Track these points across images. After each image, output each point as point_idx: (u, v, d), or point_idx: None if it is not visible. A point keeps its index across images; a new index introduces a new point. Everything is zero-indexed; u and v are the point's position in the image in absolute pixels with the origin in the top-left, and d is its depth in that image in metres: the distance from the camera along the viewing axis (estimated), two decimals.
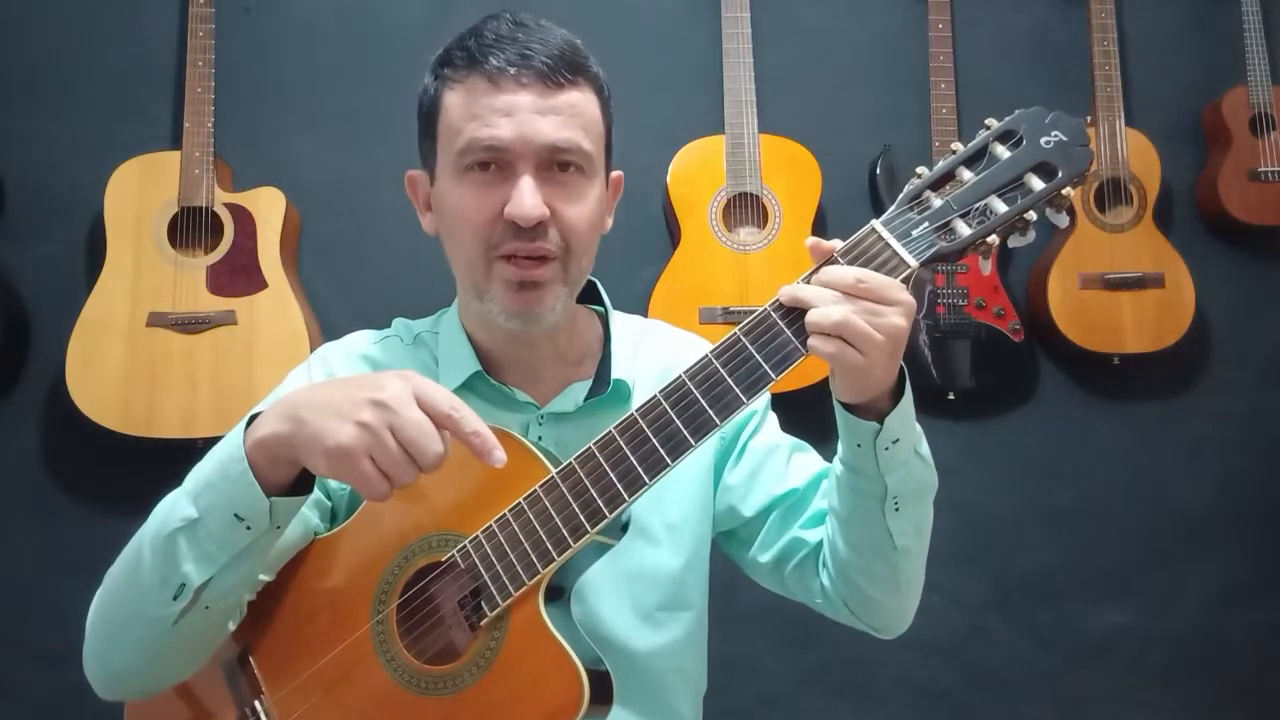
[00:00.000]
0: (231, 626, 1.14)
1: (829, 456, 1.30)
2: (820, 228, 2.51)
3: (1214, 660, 2.65)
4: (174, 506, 1.05)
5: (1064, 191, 1.04)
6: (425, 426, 0.95)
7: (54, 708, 2.32)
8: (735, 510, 1.29)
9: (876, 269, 1.01)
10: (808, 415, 1.54)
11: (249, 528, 1.01)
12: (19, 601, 2.39)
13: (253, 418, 1.04)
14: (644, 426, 1.04)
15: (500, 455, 0.98)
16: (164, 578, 1.03)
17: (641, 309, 2.36)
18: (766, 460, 1.29)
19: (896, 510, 1.11)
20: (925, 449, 1.14)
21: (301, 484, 1.05)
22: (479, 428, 0.98)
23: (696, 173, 2.48)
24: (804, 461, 1.30)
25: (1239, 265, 2.70)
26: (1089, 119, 2.58)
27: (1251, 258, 2.70)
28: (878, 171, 2.55)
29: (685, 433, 1.03)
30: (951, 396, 2.50)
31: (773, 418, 1.34)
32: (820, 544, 1.23)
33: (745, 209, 2.47)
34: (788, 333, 1.02)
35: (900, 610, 1.24)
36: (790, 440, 1.32)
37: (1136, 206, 2.55)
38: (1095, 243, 2.53)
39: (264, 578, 1.14)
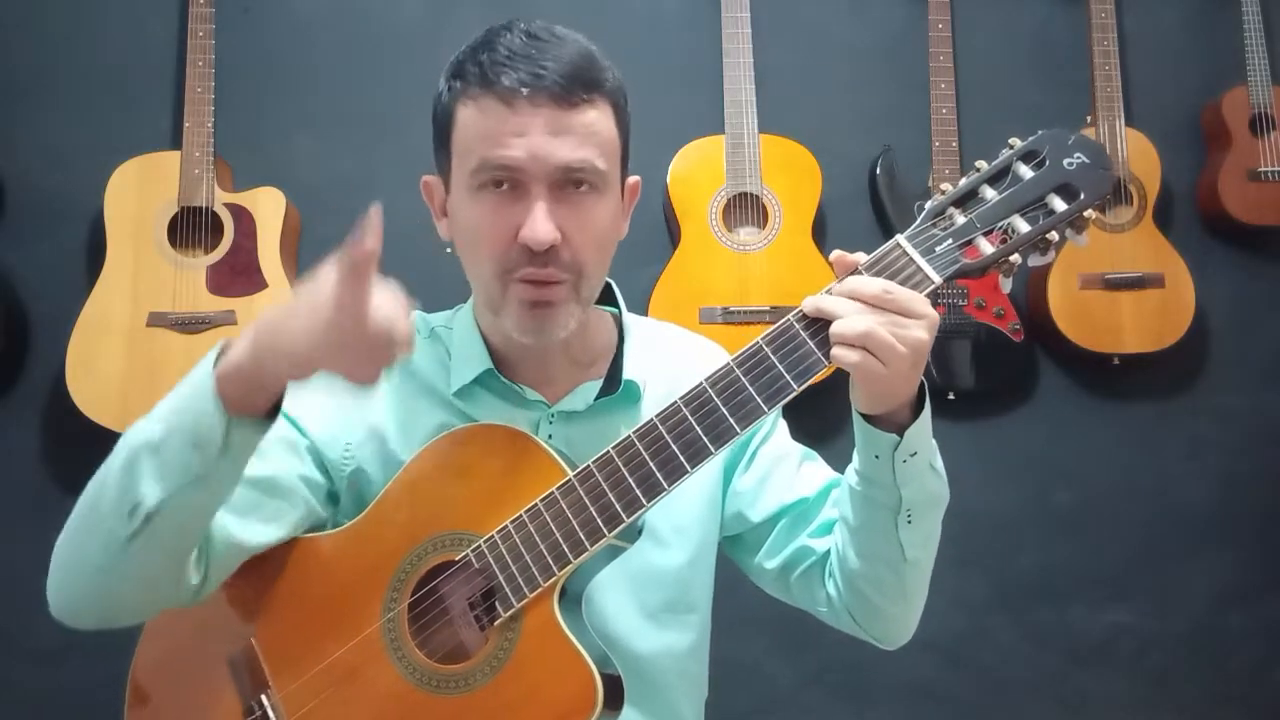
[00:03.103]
0: (195, 578, 1.10)
1: (831, 457, 1.31)
2: (820, 228, 2.51)
3: (1214, 660, 2.65)
4: (142, 426, 1.03)
5: (1085, 214, 1.05)
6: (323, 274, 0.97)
7: (53, 707, 2.31)
8: (743, 515, 1.29)
9: (900, 284, 1.02)
10: (809, 414, 1.54)
11: (206, 451, 0.99)
12: (19, 601, 2.37)
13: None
14: (664, 433, 1.05)
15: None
16: (125, 490, 1.01)
17: (641, 309, 2.35)
18: (776, 467, 1.29)
19: (909, 522, 1.12)
20: (939, 463, 1.14)
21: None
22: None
23: (696, 173, 2.48)
24: (813, 470, 1.30)
25: (1239, 265, 2.70)
26: (1089, 119, 2.58)
27: (1251, 258, 2.70)
28: (878, 172, 2.54)
29: (705, 440, 1.04)
30: (951, 396, 2.50)
31: (783, 425, 1.34)
32: (827, 553, 1.23)
33: (745, 209, 2.46)
34: (810, 344, 1.03)
35: (904, 620, 1.24)
36: (800, 449, 1.32)
37: (1136, 206, 2.56)
38: (1095, 243, 2.53)
39: (279, 534, 1.14)
